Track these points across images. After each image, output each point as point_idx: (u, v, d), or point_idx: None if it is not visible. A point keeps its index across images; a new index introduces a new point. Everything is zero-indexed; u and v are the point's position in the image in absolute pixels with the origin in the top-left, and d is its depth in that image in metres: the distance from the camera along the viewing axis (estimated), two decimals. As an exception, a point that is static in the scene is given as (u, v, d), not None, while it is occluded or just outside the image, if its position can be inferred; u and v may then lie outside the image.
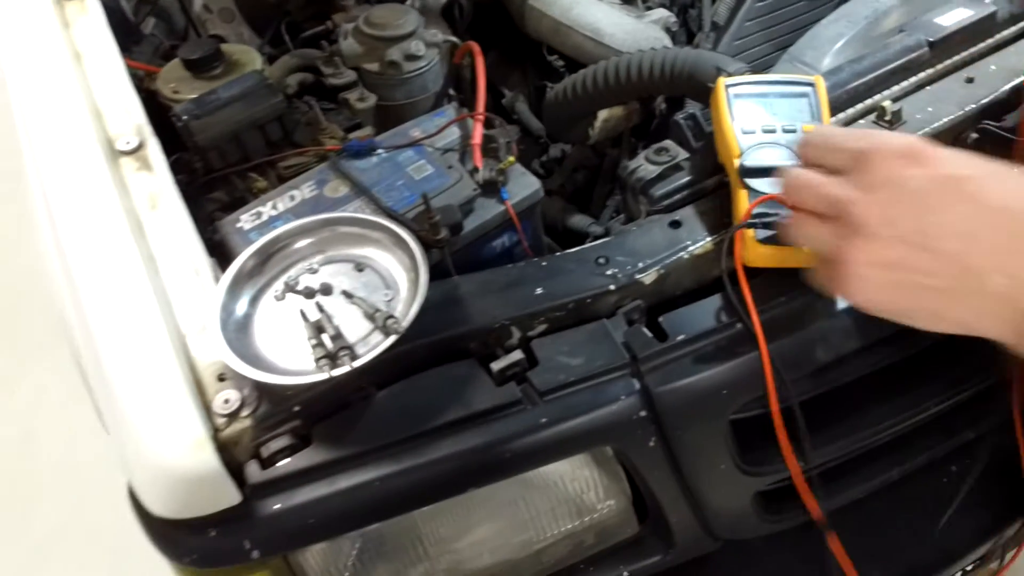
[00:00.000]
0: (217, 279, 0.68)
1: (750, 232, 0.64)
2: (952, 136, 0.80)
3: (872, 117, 0.78)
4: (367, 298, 0.63)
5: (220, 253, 0.79)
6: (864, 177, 0.49)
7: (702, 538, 0.75)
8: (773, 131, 0.67)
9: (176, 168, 0.84)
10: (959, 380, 0.76)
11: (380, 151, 0.90)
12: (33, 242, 0.77)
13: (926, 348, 0.71)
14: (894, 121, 0.77)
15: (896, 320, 0.51)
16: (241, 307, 0.64)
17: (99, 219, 0.68)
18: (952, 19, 0.82)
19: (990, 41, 0.84)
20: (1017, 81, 0.80)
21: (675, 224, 0.72)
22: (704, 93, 0.79)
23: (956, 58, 0.83)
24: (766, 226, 0.63)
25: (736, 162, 0.66)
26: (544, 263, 0.70)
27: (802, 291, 0.64)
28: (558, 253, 0.71)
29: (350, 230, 0.69)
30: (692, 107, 0.98)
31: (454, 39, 1.05)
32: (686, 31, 1.08)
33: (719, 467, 0.70)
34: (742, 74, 0.78)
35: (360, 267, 0.67)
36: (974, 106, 0.79)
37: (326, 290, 0.65)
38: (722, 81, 0.69)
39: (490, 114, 0.90)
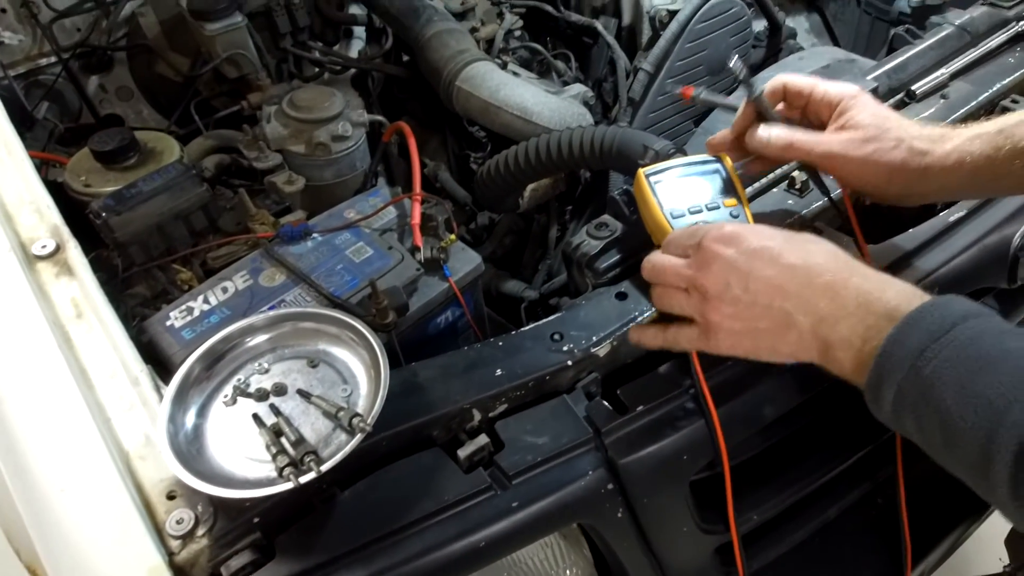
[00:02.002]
0: (156, 386, 0.63)
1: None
2: (854, 199, 0.88)
3: (784, 185, 0.84)
4: (325, 396, 0.61)
5: (148, 354, 0.75)
6: (700, 258, 0.63)
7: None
8: (699, 211, 0.72)
9: (93, 267, 0.80)
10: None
11: (315, 235, 0.88)
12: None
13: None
14: (803, 189, 0.84)
15: (748, 358, 0.62)
16: (190, 417, 0.60)
17: (20, 335, 0.62)
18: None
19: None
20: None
21: (621, 296, 0.74)
22: (631, 168, 0.83)
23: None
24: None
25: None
26: (501, 343, 0.71)
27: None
28: (513, 332, 0.72)
29: (302, 325, 0.67)
30: (617, 177, 1.03)
31: (380, 118, 1.05)
32: (601, 103, 1.14)
33: (682, 528, 0.72)
34: (668, 152, 0.84)
35: (314, 362, 0.65)
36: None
37: (280, 390, 0.62)
38: (642, 173, 0.74)
39: (427, 193, 0.91)
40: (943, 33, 1.01)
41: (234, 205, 0.94)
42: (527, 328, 0.72)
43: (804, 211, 0.82)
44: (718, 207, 0.73)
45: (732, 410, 0.67)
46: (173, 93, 1.23)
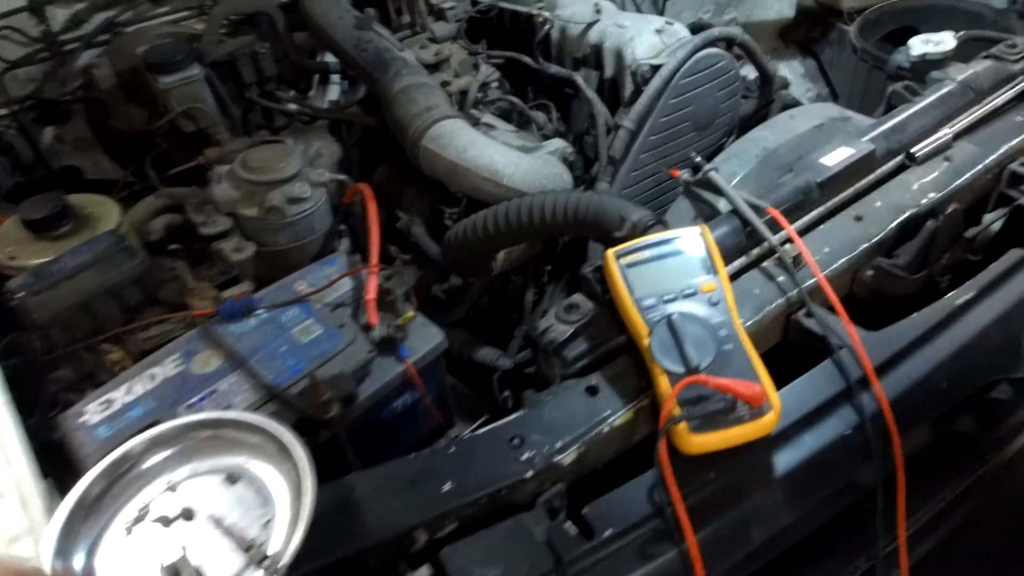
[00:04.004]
0: (50, 509, 0.55)
1: (682, 424, 0.59)
2: (851, 274, 0.80)
3: (774, 259, 0.77)
4: (239, 524, 0.53)
5: (60, 455, 0.66)
6: None
7: None
8: (674, 298, 0.64)
9: (8, 351, 0.72)
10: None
11: (260, 311, 0.81)
12: None
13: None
14: (796, 263, 0.77)
15: None
16: (82, 550, 0.52)
17: None
18: (836, 158, 0.84)
19: (871, 177, 0.87)
20: (903, 217, 0.82)
21: (592, 390, 0.66)
22: (608, 239, 0.76)
23: (843, 195, 0.85)
24: (697, 414, 0.59)
25: (645, 341, 0.62)
26: (452, 449, 0.62)
27: (732, 464, 0.60)
28: (467, 436, 0.64)
29: (221, 432, 0.59)
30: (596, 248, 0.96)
31: (341, 177, 0.98)
32: (583, 157, 1.07)
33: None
34: (646, 223, 0.76)
35: (233, 478, 0.56)
36: (867, 245, 0.80)
37: (188, 515, 0.54)
38: (611, 255, 0.67)
39: (385, 265, 0.83)
40: (945, 90, 0.94)
41: (175, 276, 0.86)
42: (483, 432, 0.64)
43: (794, 291, 0.74)
44: (694, 293, 0.65)
45: (714, 534, 0.58)
46: (131, 145, 1.16)
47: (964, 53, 1.05)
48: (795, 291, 0.74)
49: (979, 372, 0.72)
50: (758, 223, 0.76)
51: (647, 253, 0.68)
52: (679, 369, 0.60)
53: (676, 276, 0.66)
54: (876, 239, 0.80)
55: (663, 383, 0.60)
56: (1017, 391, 0.80)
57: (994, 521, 0.88)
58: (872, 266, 0.80)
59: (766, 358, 0.63)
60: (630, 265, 0.68)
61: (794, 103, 1.22)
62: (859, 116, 0.98)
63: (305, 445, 0.55)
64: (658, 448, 0.58)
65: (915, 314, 0.73)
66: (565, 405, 0.65)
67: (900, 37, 1.43)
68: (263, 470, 0.56)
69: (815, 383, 0.67)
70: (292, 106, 1.22)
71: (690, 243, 0.68)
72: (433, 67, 1.13)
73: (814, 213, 0.83)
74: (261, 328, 0.79)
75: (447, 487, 0.59)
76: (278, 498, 0.55)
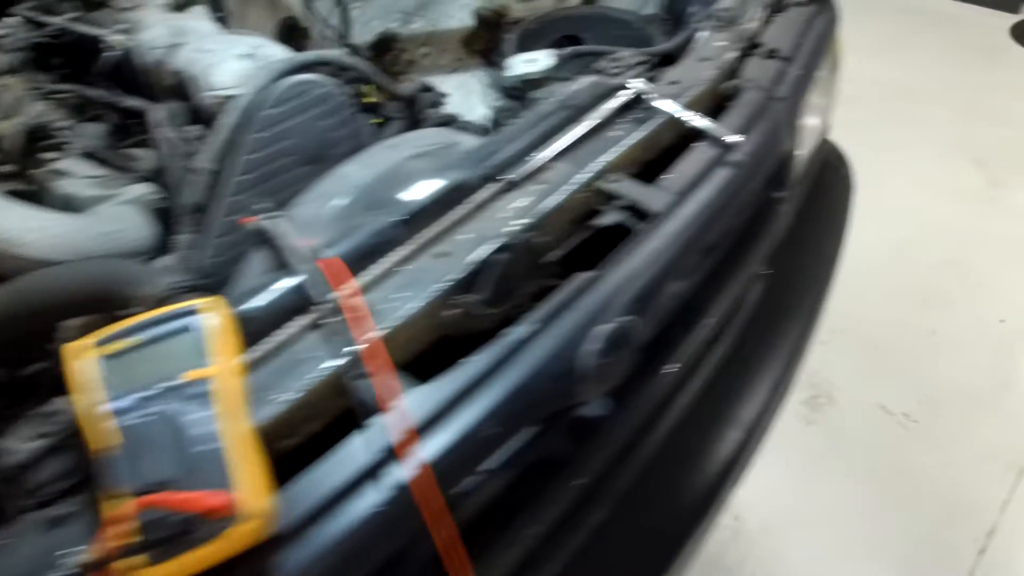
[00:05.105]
0: None
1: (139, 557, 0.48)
2: (432, 317, 0.74)
3: (335, 317, 0.68)
4: None
5: None
6: None
7: None
8: (151, 397, 0.53)
9: None
10: None
11: None
12: None
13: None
14: (360, 320, 0.69)
15: None
16: None
17: None
18: (423, 191, 0.78)
19: (466, 208, 0.82)
20: (486, 248, 0.78)
21: (56, 522, 0.53)
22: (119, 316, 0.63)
23: (433, 231, 0.79)
24: (155, 540, 0.48)
25: (104, 455, 0.51)
26: None
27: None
28: None
29: None
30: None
31: None
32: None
33: None
34: (171, 290, 0.64)
35: None
36: (446, 284, 0.74)
37: None
38: (76, 347, 0.54)
39: None
40: (544, 109, 0.92)
41: None
42: None
43: (349, 351, 0.66)
44: (180, 385, 0.54)
45: None
46: None
47: (579, 68, 1.06)
48: (350, 351, 0.66)
49: (534, 410, 0.69)
50: (320, 278, 0.68)
51: (137, 338, 0.56)
52: (132, 487, 0.49)
53: (163, 365, 0.55)
54: (457, 276, 0.75)
55: (115, 506, 0.49)
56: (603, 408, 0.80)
57: (622, 540, 0.88)
58: (452, 304, 0.75)
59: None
60: (114, 356, 0.55)
61: (449, 120, 1.17)
62: (469, 138, 0.93)
63: None
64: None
65: (472, 356, 0.68)
66: (19, 549, 0.52)
67: (566, 46, 1.45)
68: None
69: (346, 458, 0.60)
70: None
71: (184, 321, 0.57)
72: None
73: (396, 255, 0.76)
74: None
75: None
76: None
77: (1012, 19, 4.09)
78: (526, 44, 1.40)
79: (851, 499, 2.01)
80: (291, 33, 1.64)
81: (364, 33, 1.69)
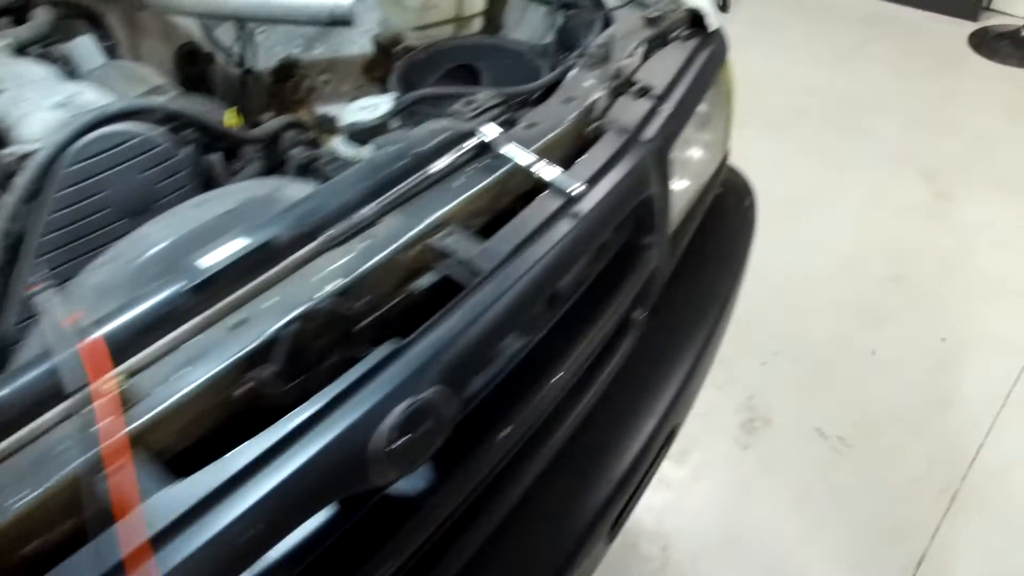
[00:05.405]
0: None
1: None
2: (219, 395, 0.69)
3: (88, 405, 0.63)
4: None
5: None
6: None
7: None
8: None
9: None
10: None
11: None
12: None
13: None
14: (129, 401, 0.64)
15: None
16: None
17: None
18: (216, 257, 0.73)
19: (274, 270, 0.77)
20: (291, 316, 0.73)
21: None
22: None
23: (233, 297, 0.74)
24: None
25: None
26: None
27: None
28: None
29: None
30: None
31: None
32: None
33: None
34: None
35: None
36: (235, 359, 0.69)
37: None
38: None
39: None
40: (379, 159, 0.87)
41: None
42: None
43: (97, 447, 0.60)
44: None
45: None
46: None
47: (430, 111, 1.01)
48: (97, 447, 0.61)
49: (314, 501, 0.64)
50: (77, 362, 0.62)
51: None
52: None
53: None
54: (248, 349, 0.70)
55: None
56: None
57: None
58: (245, 380, 0.70)
59: None
60: None
61: (312, 160, 1.12)
62: (294, 191, 0.88)
63: None
64: None
65: (245, 443, 0.63)
66: None
67: (462, 76, 1.40)
68: None
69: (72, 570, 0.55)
70: None
71: None
72: None
73: (184, 327, 0.71)
74: None
75: None
76: None
77: (971, 27, 4.08)
78: (414, 75, 1.35)
79: (784, 525, 1.98)
80: (192, 60, 1.59)
81: (268, 59, 1.64)
